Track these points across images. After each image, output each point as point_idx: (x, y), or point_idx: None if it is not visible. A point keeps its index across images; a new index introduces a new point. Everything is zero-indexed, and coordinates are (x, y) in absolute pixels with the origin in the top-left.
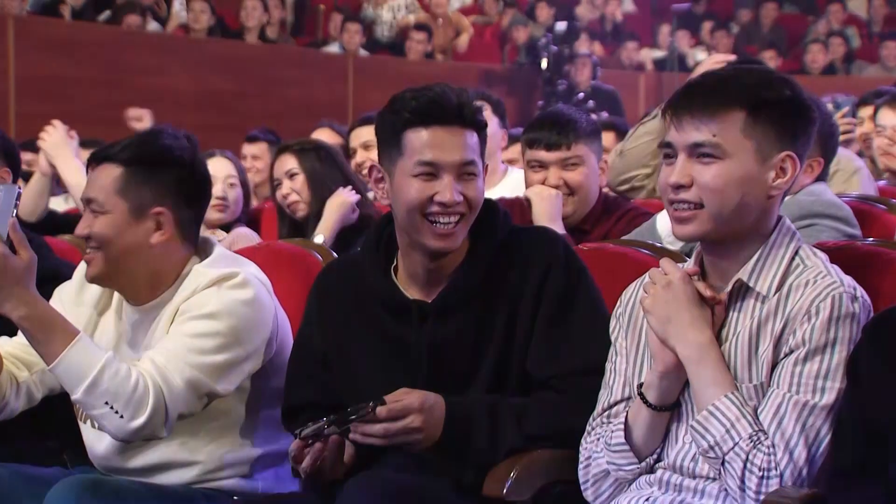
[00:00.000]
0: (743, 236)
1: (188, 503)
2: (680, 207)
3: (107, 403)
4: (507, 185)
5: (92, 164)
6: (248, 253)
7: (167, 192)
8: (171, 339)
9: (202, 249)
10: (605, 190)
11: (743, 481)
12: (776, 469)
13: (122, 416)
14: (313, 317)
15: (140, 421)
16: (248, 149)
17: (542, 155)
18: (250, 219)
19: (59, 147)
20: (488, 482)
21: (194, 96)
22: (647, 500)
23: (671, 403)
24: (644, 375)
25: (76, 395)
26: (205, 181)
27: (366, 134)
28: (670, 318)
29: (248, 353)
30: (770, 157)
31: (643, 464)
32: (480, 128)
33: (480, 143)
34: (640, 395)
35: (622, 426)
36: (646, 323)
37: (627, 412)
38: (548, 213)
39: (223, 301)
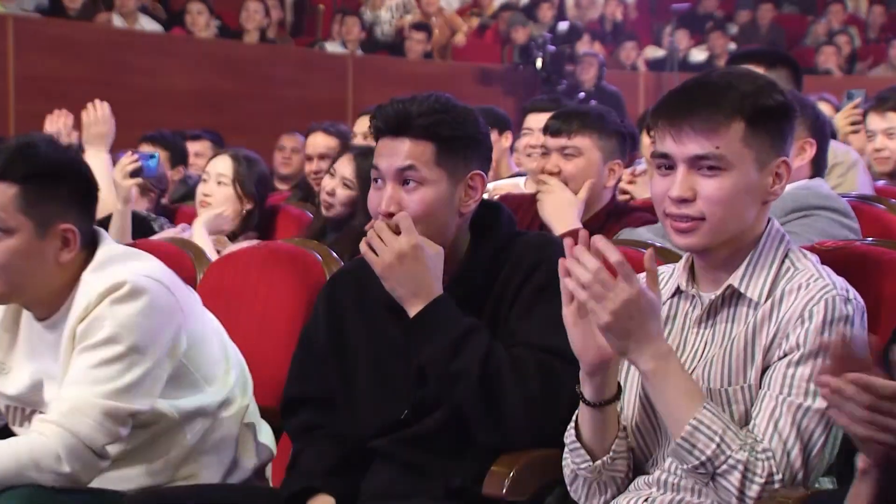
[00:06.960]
0: (736, 242)
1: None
2: (680, 220)
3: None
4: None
5: None
6: (247, 252)
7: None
8: (75, 374)
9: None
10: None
11: (743, 491)
12: (778, 473)
13: (54, 479)
14: (319, 314)
15: (68, 470)
16: (192, 146)
17: (547, 140)
18: (261, 221)
19: (100, 138)
20: (488, 482)
21: (194, 96)
22: (645, 500)
23: (611, 397)
24: (630, 378)
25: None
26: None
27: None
28: (630, 333)
29: (157, 360)
30: (768, 164)
31: (598, 463)
32: (437, 139)
33: (439, 154)
34: (579, 393)
35: (574, 425)
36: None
37: (577, 412)
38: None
39: (117, 320)
